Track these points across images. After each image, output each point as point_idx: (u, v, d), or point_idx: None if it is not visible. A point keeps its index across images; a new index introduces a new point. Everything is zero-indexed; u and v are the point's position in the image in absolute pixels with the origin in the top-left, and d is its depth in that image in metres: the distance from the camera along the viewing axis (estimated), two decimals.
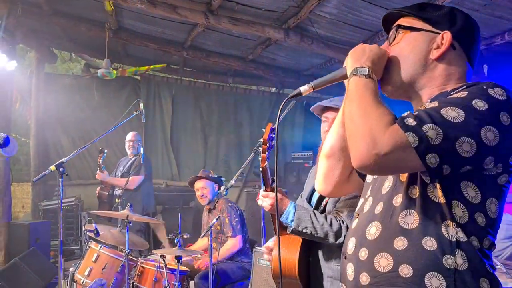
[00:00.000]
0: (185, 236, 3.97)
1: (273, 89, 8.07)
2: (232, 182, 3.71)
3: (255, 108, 7.77)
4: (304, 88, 1.29)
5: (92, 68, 7.24)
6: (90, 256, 3.56)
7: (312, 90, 1.30)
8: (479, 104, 1.06)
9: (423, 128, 1.04)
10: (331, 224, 2.00)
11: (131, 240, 3.56)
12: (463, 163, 1.07)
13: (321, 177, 1.48)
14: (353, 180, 1.46)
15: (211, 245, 3.47)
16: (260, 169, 2.11)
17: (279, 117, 1.40)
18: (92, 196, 6.71)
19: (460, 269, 1.08)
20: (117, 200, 4.74)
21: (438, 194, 1.12)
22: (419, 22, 1.25)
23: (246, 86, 8.18)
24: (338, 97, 2.24)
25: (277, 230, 1.45)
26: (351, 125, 1.12)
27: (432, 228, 1.11)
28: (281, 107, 1.37)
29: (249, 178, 7.39)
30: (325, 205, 2.14)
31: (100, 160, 4.85)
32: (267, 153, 2.10)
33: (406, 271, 1.11)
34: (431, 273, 1.08)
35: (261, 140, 2.12)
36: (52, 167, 3.19)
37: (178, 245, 3.53)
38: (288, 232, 2.07)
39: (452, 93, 1.16)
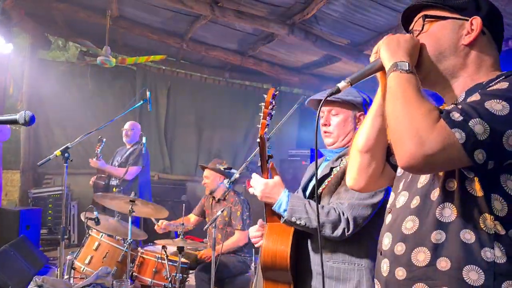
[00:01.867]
0: (189, 228, 3.93)
1: (270, 86, 8.05)
2: (237, 175, 3.68)
3: (251, 105, 7.72)
4: (342, 85, 1.25)
5: (87, 56, 7.11)
6: (91, 244, 3.49)
7: (350, 86, 1.26)
8: None
9: (469, 124, 1.02)
10: (328, 214, 1.89)
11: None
12: (508, 157, 1.06)
13: (355, 172, 1.44)
14: (386, 174, 1.43)
15: (214, 238, 3.43)
16: (258, 139, 1.98)
17: (319, 113, 1.35)
18: (82, 186, 6.61)
19: (499, 262, 1.06)
20: (114, 189, 4.67)
21: (476, 188, 1.10)
22: (445, 11, 1.24)
23: (242, 81, 8.15)
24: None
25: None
26: (396, 124, 1.09)
27: (470, 221, 1.10)
28: (320, 105, 1.32)
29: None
30: (320, 195, 2.04)
31: (99, 149, 4.78)
32: (267, 118, 1.98)
33: (444, 264, 1.10)
34: (469, 266, 1.07)
35: (263, 104, 1.99)
36: (58, 152, 3.13)
37: (181, 236, 3.49)
38: (281, 222, 1.97)
39: (490, 85, 1.14)
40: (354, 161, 1.43)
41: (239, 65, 7.15)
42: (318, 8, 4.50)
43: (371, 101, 2.16)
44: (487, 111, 1.03)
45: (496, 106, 1.03)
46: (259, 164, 2.02)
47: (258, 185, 2.00)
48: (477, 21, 1.20)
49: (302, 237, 2.02)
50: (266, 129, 1.96)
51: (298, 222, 1.90)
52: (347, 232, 1.88)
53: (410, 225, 1.19)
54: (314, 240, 2.01)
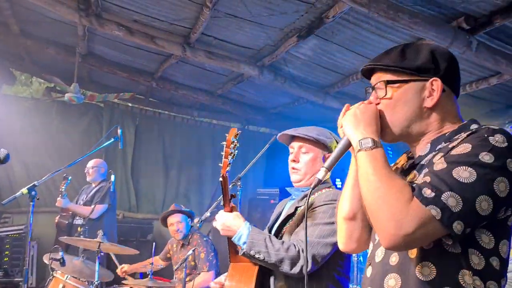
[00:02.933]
0: (158, 267, 3.83)
1: (238, 125, 8.12)
2: (207, 214, 3.65)
3: (219, 144, 7.70)
4: (321, 174, 1.29)
5: (54, 92, 7.00)
6: (55, 287, 3.34)
7: (328, 172, 1.31)
8: (486, 158, 1.08)
9: (441, 198, 1.06)
10: (287, 250, 1.89)
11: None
12: (482, 220, 1.10)
13: (343, 238, 1.44)
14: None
15: (185, 279, 3.36)
16: (220, 178, 1.97)
17: (309, 194, 1.39)
18: (42, 225, 6.33)
19: None
20: (79, 229, 4.52)
21: (453, 245, 1.14)
22: (404, 74, 1.27)
23: (210, 120, 8.19)
24: (304, 127, 2.20)
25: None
26: (373, 205, 1.13)
27: (449, 278, 1.13)
28: (308, 196, 1.36)
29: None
30: (283, 235, 2.05)
31: (63, 187, 4.65)
32: (229, 158, 1.97)
33: None
34: None
35: (224, 143, 1.99)
36: (24, 190, 3.03)
37: (150, 276, 3.40)
38: (239, 254, 1.94)
39: (454, 139, 1.19)
40: (341, 228, 1.45)
41: (208, 104, 7.21)
42: (287, 50, 4.65)
43: None
44: (455, 181, 1.07)
45: (463, 174, 1.08)
46: (221, 204, 2.03)
47: (220, 218, 2.00)
48: (437, 83, 1.24)
49: (266, 277, 2.01)
50: (228, 168, 1.95)
51: (257, 256, 1.89)
52: (306, 269, 1.87)
53: (392, 282, 1.21)
54: (277, 280, 1.99)
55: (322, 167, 1.29)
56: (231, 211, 2.00)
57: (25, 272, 2.99)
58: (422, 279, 1.15)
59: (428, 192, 1.07)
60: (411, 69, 1.26)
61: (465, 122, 1.27)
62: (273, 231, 2.14)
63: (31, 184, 3.03)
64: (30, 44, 5.81)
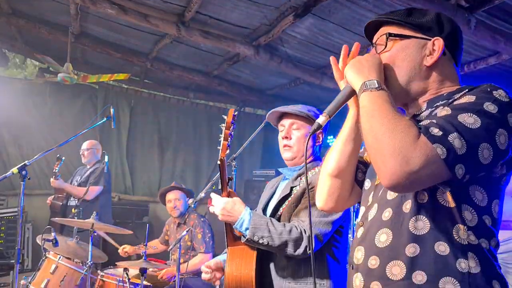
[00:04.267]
0: (152, 249, 3.82)
1: (234, 107, 8.06)
2: (202, 195, 3.62)
3: (215, 125, 7.70)
4: (321, 120, 1.23)
5: (47, 73, 6.91)
6: (48, 267, 3.32)
7: (329, 118, 1.25)
8: (490, 108, 1.07)
9: (448, 138, 1.03)
10: (290, 232, 1.87)
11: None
12: (481, 170, 1.09)
13: (325, 195, 1.43)
14: (355, 193, 1.44)
15: (179, 259, 3.34)
16: (218, 161, 1.93)
17: (306, 149, 1.37)
18: (37, 207, 6.34)
19: (473, 272, 1.09)
20: (73, 210, 4.49)
21: (448, 199, 1.12)
22: (408, 29, 1.26)
23: (206, 102, 8.13)
24: (292, 105, 2.18)
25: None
26: (376, 143, 1.07)
27: (443, 233, 1.11)
28: (307, 140, 1.30)
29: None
30: (280, 216, 2.03)
31: (57, 168, 4.60)
32: (229, 140, 1.93)
33: (420, 277, 1.10)
34: (445, 278, 1.09)
35: (223, 125, 1.94)
36: (14, 170, 2.95)
37: (143, 257, 3.38)
38: (242, 242, 1.91)
39: (454, 97, 1.17)
40: (324, 184, 1.42)
41: (203, 85, 7.14)
42: (283, 30, 4.57)
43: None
44: (461, 124, 1.05)
45: (469, 120, 1.06)
46: (219, 187, 1.99)
47: (219, 203, 1.95)
48: (439, 42, 1.23)
49: (265, 259, 1.99)
50: (228, 151, 1.91)
51: (260, 241, 1.86)
52: (309, 249, 1.87)
53: (384, 238, 1.18)
54: (277, 262, 1.98)
55: (322, 114, 1.24)
56: (228, 195, 1.97)
57: (17, 252, 2.95)
58: (416, 233, 1.13)
59: (435, 131, 1.04)
60: (414, 25, 1.25)
61: (463, 86, 1.25)
62: (268, 213, 2.11)
63: (21, 164, 2.97)
64: (22, 23, 5.70)
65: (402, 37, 1.25)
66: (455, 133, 1.04)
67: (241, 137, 6.61)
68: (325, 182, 1.41)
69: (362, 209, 1.34)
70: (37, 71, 7.22)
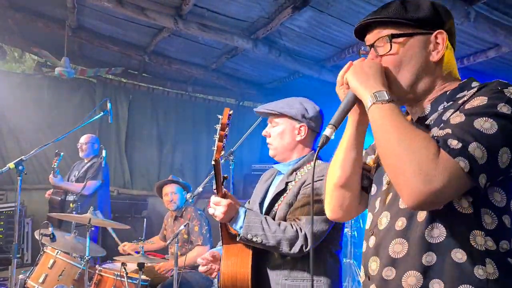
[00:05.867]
0: (150, 243, 3.81)
1: (233, 101, 8.04)
2: (200, 189, 3.61)
3: (214, 119, 7.62)
4: (328, 132, 1.17)
5: (45, 67, 6.88)
6: (46, 262, 3.32)
7: (336, 129, 1.19)
8: (504, 109, 1.04)
9: (469, 150, 1.00)
10: (284, 231, 1.86)
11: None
12: (500, 174, 1.06)
13: (333, 206, 1.39)
14: (363, 199, 1.40)
15: (177, 253, 3.34)
16: (213, 162, 1.89)
17: (316, 155, 1.25)
18: (37, 202, 6.33)
19: (491, 278, 1.05)
20: (71, 205, 4.48)
21: (465, 205, 1.09)
22: (408, 27, 1.20)
23: (205, 95, 8.10)
24: (275, 102, 2.18)
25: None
26: (396, 162, 1.04)
27: (460, 239, 1.08)
28: (315, 155, 1.20)
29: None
30: (276, 212, 2.02)
31: (56, 164, 4.59)
32: (224, 141, 1.90)
33: (437, 286, 1.08)
34: (463, 285, 1.06)
35: (218, 126, 1.90)
36: (11, 165, 2.96)
37: (141, 252, 3.38)
38: (237, 240, 1.90)
39: (456, 99, 1.14)
40: (332, 196, 1.39)
41: (202, 79, 7.11)
42: (281, 23, 4.53)
43: (320, 112, 2.17)
44: (479, 132, 1.02)
45: (485, 125, 1.02)
46: (214, 188, 1.96)
47: (213, 203, 1.93)
48: (442, 35, 1.19)
49: (261, 257, 1.98)
50: (223, 152, 1.89)
51: (254, 240, 1.85)
52: (305, 248, 1.86)
53: (398, 248, 1.15)
54: (273, 259, 1.98)
55: (329, 125, 1.20)
56: (224, 196, 1.95)
57: (14, 247, 2.95)
58: (432, 241, 1.10)
59: (454, 143, 1.01)
60: (414, 21, 1.19)
61: (464, 80, 1.22)
62: (264, 208, 2.10)
63: (18, 159, 2.96)
64: (19, 17, 5.67)
65: (406, 36, 1.20)
66: (474, 143, 1.00)
67: (240, 131, 6.57)
68: (333, 193, 1.37)
69: (370, 216, 1.31)
70: (36, 65, 7.19)
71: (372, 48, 1.24)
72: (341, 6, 4.07)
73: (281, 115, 2.12)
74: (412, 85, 1.21)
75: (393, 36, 1.19)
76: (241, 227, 1.87)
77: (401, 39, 1.20)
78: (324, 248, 1.97)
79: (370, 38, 1.25)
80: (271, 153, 2.18)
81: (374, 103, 1.11)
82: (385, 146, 1.07)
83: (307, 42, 5.05)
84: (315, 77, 5.69)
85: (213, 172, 2.87)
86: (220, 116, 1.91)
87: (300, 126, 2.12)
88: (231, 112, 1.94)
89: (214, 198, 1.95)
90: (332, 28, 4.61)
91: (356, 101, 1.20)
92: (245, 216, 1.89)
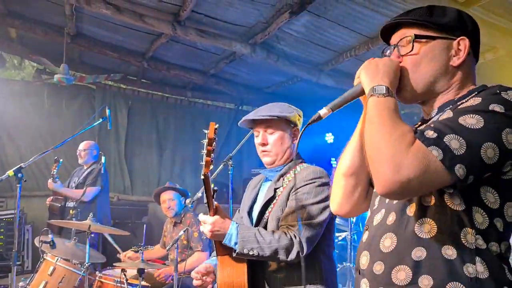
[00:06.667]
0: (150, 249, 3.81)
1: (232, 105, 8.05)
2: (199, 194, 3.61)
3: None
4: (323, 112, 1.22)
5: (44, 74, 6.90)
6: (46, 269, 3.31)
7: (331, 112, 1.24)
8: (496, 108, 1.05)
9: (444, 140, 1.01)
10: (279, 240, 1.86)
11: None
12: (487, 170, 1.05)
13: (339, 197, 1.38)
14: (370, 197, 1.39)
15: (177, 259, 3.34)
16: (202, 176, 1.84)
17: (298, 141, 1.34)
18: (37, 209, 6.33)
19: (481, 277, 1.05)
20: (71, 212, 4.48)
21: (456, 202, 1.09)
22: (432, 30, 1.23)
23: (204, 101, 8.12)
24: (264, 106, 2.15)
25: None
26: (372, 149, 1.07)
27: (451, 236, 1.08)
28: (300, 134, 1.26)
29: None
30: (267, 220, 2.00)
31: (55, 170, 4.59)
32: (212, 155, 1.85)
33: (426, 282, 1.08)
34: (452, 283, 1.05)
35: (205, 141, 1.86)
36: (10, 172, 2.96)
37: (141, 258, 3.38)
38: (233, 256, 1.89)
39: (462, 101, 1.15)
40: (339, 185, 1.38)
41: (201, 84, 7.13)
42: (279, 27, 4.55)
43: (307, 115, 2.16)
44: (460, 126, 1.03)
45: (470, 121, 1.04)
46: (205, 202, 1.92)
47: (205, 223, 1.91)
48: (465, 42, 1.21)
49: (256, 265, 1.97)
50: (212, 167, 1.84)
51: (251, 253, 1.85)
52: (302, 253, 1.86)
53: (388, 242, 1.16)
54: (269, 268, 1.97)
55: (326, 106, 1.23)
56: (215, 212, 1.92)
57: (14, 254, 2.95)
58: (422, 236, 1.10)
59: (430, 133, 1.03)
60: (439, 26, 1.22)
61: (476, 86, 1.23)
62: (254, 217, 2.09)
63: (17, 166, 2.97)
64: (18, 24, 5.69)
65: (428, 38, 1.22)
66: (451, 134, 1.02)
67: (238, 136, 6.60)
68: (340, 183, 1.37)
69: (369, 213, 1.32)
70: (35, 72, 7.21)
71: (396, 48, 1.27)
72: (338, 10, 4.10)
73: (277, 120, 2.10)
74: (428, 85, 1.23)
75: (416, 36, 1.23)
76: (236, 243, 1.86)
77: (423, 41, 1.22)
78: (318, 250, 1.97)
79: (394, 38, 1.29)
80: (268, 160, 2.13)
81: (371, 95, 1.15)
82: (367, 136, 1.11)
83: (305, 46, 5.07)
84: (313, 81, 5.71)
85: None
86: (206, 131, 1.86)
87: (295, 130, 2.13)
88: (217, 126, 1.90)
89: (201, 217, 1.94)
90: (329, 32, 4.63)
91: (361, 93, 1.24)
92: (237, 232, 1.87)
